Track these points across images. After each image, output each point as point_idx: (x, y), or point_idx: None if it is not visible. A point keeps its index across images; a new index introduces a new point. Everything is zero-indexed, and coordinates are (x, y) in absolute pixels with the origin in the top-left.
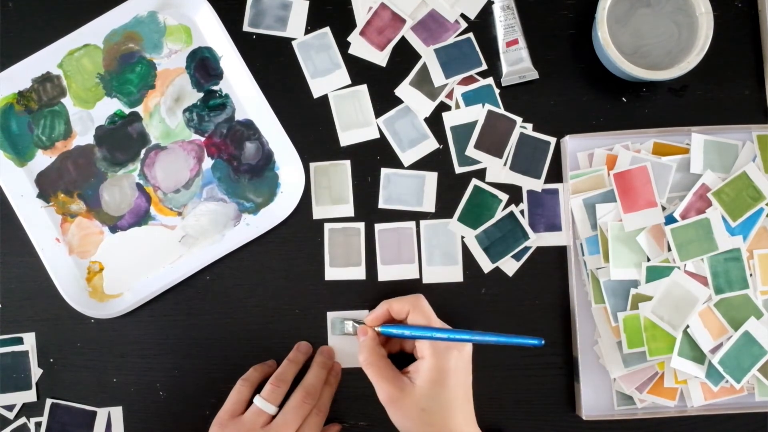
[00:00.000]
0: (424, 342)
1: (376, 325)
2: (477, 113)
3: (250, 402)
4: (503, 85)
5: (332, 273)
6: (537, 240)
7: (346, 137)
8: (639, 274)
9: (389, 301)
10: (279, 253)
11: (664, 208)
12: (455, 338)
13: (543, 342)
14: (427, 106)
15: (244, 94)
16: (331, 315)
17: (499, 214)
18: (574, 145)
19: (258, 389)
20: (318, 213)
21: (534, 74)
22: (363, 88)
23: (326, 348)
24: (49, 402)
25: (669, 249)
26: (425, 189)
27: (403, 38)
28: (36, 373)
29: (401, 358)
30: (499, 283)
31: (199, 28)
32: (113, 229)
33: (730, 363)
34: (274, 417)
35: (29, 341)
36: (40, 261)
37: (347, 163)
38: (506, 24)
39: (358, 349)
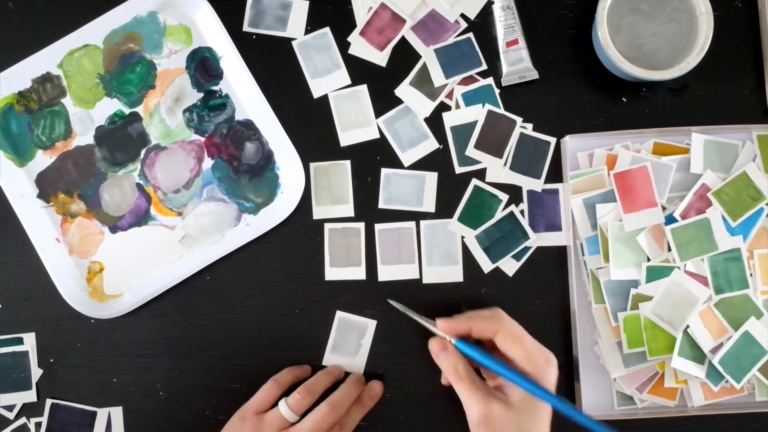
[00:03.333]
0: (520, 354)
1: (455, 333)
2: (477, 113)
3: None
4: (503, 85)
5: (332, 273)
6: (537, 240)
7: (346, 137)
8: (639, 274)
9: (473, 316)
10: (279, 253)
11: (664, 208)
12: (535, 392)
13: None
14: (427, 106)
15: (244, 94)
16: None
17: (499, 214)
18: (574, 145)
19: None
20: (318, 213)
21: (534, 74)
22: (363, 88)
23: (374, 383)
24: (49, 402)
25: (669, 249)
26: (425, 189)
27: (403, 38)
28: (36, 373)
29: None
30: (499, 283)
31: (199, 28)
32: (113, 229)
33: (730, 363)
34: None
35: (29, 341)
36: (40, 261)
37: (347, 163)
38: (506, 24)
39: (442, 359)
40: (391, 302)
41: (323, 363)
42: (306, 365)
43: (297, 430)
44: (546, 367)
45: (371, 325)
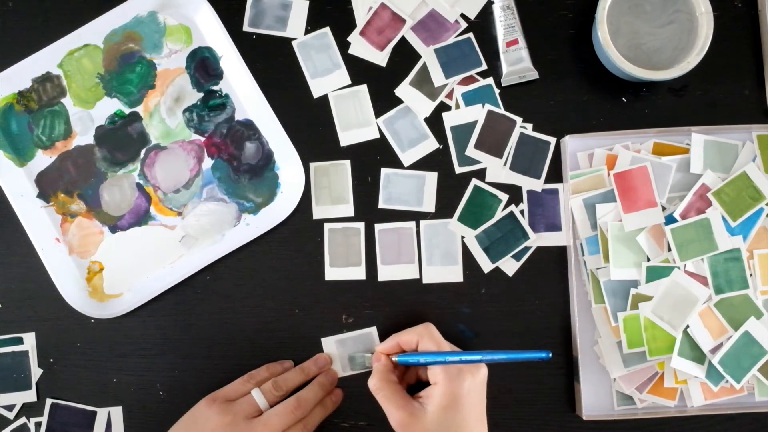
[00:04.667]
0: (437, 367)
1: (389, 354)
2: (477, 113)
3: None
4: (503, 85)
5: (332, 273)
6: (537, 240)
7: (346, 137)
8: (639, 274)
9: (397, 334)
10: (279, 253)
11: (664, 208)
12: (465, 360)
13: (551, 355)
14: (427, 106)
15: (244, 94)
16: (331, 341)
17: (499, 214)
18: (574, 145)
19: None
20: (318, 213)
21: (534, 74)
22: (363, 88)
23: (321, 356)
24: (49, 402)
25: (669, 249)
26: (425, 189)
27: (403, 38)
28: (36, 373)
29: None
30: (499, 283)
31: (199, 28)
32: (113, 229)
33: (730, 363)
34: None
35: (29, 341)
36: (40, 261)
37: (347, 163)
38: (506, 24)
39: (372, 375)
40: (353, 359)
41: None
42: (288, 361)
43: (263, 420)
44: (457, 375)
45: (373, 331)
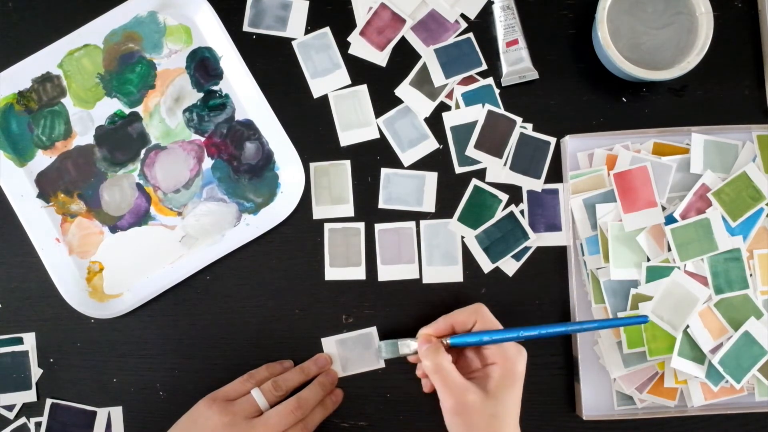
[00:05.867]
0: (494, 347)
1: (438, 336)
2: (477, 113)
3: None
4: (503, 85)
5: (332, 273)
6: (537, 240)
7: (346, 137)
8: (639, 274)
9: (448, 315)
10: (279, 253)
11: (664, 208)
12: (545, 333)
13: (648, 319)
14: (427, 106)
15: (244, 94)
16: (331, 341)
17: (499, 214)
18: (574, 145)
19: None
20: (318, 213)
21: (534, 74)
22: (363, 88)
23: (321, 356)
24: (49, 402)
25: (669, 249)
26: (425, 189)
27: (403, 38)
28: (36, 373)
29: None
30: (499, 283)
31: (199, 28)
32: (113, 229)
33: (730, 363)
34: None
35: (29, 341)
36: (40, 261)
37: (347, 163)
38: (506, 24)
39: (422, 357)
40: (381, 348)
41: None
42: (288, 360)
43: (263, 420)
44: (517, 354)
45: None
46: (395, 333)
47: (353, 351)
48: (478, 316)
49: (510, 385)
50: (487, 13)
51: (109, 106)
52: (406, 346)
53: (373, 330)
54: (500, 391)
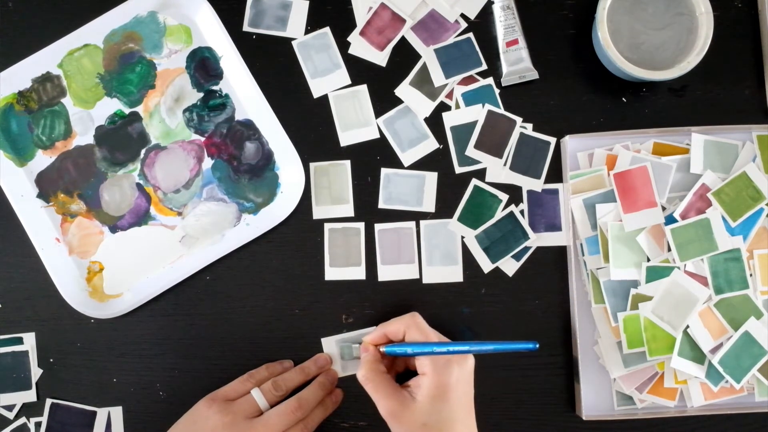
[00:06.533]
0: (425, 358)
1: (377, 344)
2: (477, 113)
3: None
4: (503, 85)
5: (332, 273)
6: (537, 240)
7: (346, 137)
8: (639, 274)
9: (384, 324)
10: (279, 253)
11: (664, 208)
12: (453, 351)
13: (537, 346)
14: (427, 106)
15: (244, 94)
16: (331, 341)
17: (499, 214)
18: (574, 145)
19: None
20: (318, 213)
21: (534, 74)
22: (363, 88)
23: (321, 356)
24: (49, 402)
25: (669, 249)
26: (425, 189)
27: (403, 38)
28: (36, 373)
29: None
30: (499, 283)
31: (199, 28)
32: (113, 229)
33: (730, 363)
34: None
35: (29, 341)
36: (40, 261)
37: (347, 163)
38: (506, 24)
39: (360, 365)
40: (342, 352)
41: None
42: (288, 360)
43: (263, 420)
44: (445, 366)
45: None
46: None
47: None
48: (409, 326)
49: (438, 396)
50: (487, 13)
51: (109, 106)
52: (356, 350)
53: (373, 330)
54: (428, 402)
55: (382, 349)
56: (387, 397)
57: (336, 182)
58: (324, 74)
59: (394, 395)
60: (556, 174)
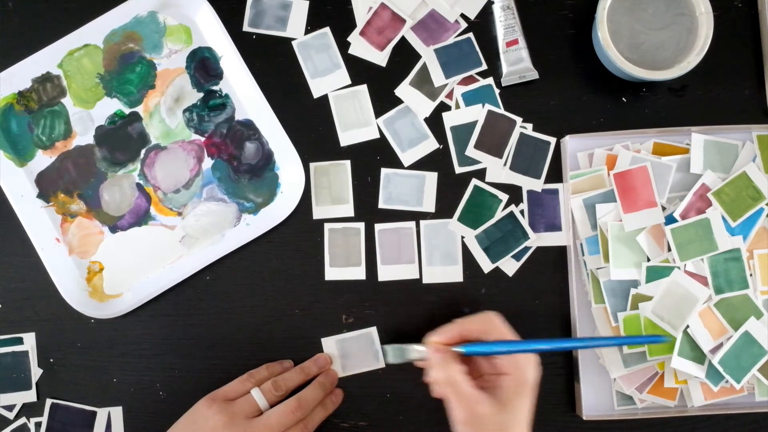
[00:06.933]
0: (504, 357)
1: (448, 344)
2: (477, 113)
3: None
4: (503, 85)
5: (332, 273)
6: (537, 240)
7: (346, 137)
8: (639, 274)
9: (458, 323)
10: (279, 253)
11: (664, 208)
12: (559, 347)
13: (669, 339)
14: (427, 106)
15: (244, 94)
16: (331, 341)
17: (499, 214)
18: (574, 145)
19: None
20: (318, 213)
21: (534, 74)
22: (363, 88)
23: (322, 356)
24: (49, 402)
25: (669, 249)
26: (425, 189)
27: (403, 38)
28: (36, 373)
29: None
30: (499, 283)
31: (199, 28)
32: (113, 229)
33: (730, 363)
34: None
35: (29, 341)
36: (40, 261)
37: (347, 163)
38: (506, 24)
39: (433, 367)
40: (387, 352)
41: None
42: (288, 360)
43: (263, 420)
44: (527, 364)
45: (372, 331)
46: (396, 333)
47: (353, 351)
48: (489, 325)
49: (521, 395)
50: (487, 13)
51: (109, 106)
52: (415, 352)
53: (373, 330)
54: (512, 402)
55: (459, 349)
56: (472, 401)
57: (336, 182)
58: (324, 74)
59: (476, 398)
60: (556, 174)
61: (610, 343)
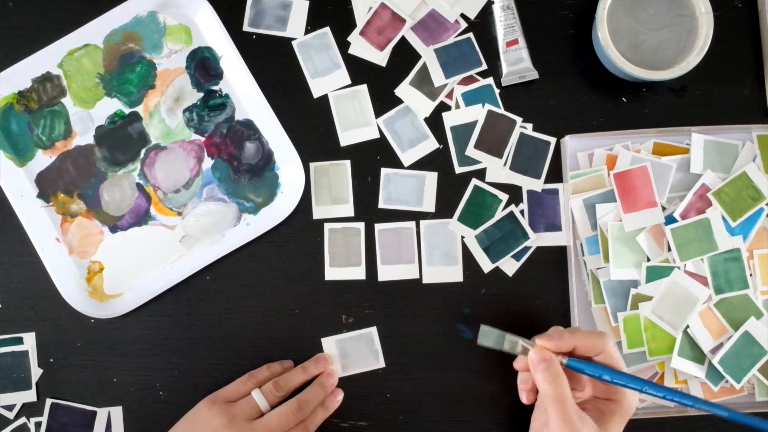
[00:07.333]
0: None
1: (555, 352)
2: (477, 113)
3: None
4: (503, 85)
5: (332, 273)
6: (537, 240)
7: (346, 137)
8: (639, 274)
9: (576, 334)
10: (279, 253)
11: (664, 208)
12: (676, 400)
13: None
14: (427, 106)
15: (244, 94)
16: (331, 341)
17: (499, 214)
18: (574, 145)
19: None
20: (318, 213)
21: (534, 74)
22: (363, 88)
23: (322, 356)
24: (49, 402)
25: (669, 249)
26: (425, 189)
27: (403, 38)
28: (36, 373)
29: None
30: (499, 283)
31: (199, 28)
32: (113, 229)
33: (730, 363)
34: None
35: (29, 341)
36: (40, 261)
37: (347, 163)
38: (506, 24)
39: (541, 378)
40: (482, 338)
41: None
42: (288, 361)
43: (264, 421)
44: (635, 395)
45: (373, 331)
46: (395, 333)
47: (353, 351)
48: (603, 346)
49: (620, 424)
50: (487, 13)
51: (109, 106)
52: (514, 344)
53: (373, 330)
54: (611, 428)
55: (562, 360)
56: (574, 421)
57: (336, 182)
58: (324, 74)
59: (581, 420)
60: (556, 174)
61: (725, 415)
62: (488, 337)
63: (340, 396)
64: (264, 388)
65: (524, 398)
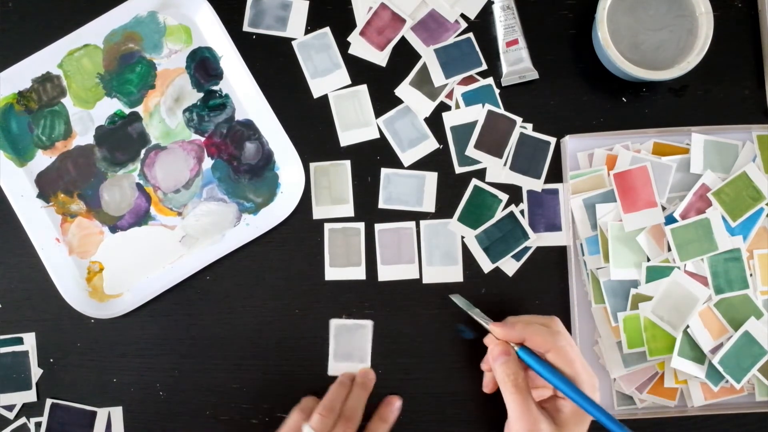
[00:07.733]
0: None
1: (509, 341)
2: (477, 113)
3: None
4: (503, 85)
5: (332, 273)
6: (537, 240)
7: (346, 137)
8: (639, 274)
9: (526, 323)
10: (279, 253)
11: (664, 208)
12: (608, 426)
13: None
14: (427, 106)
15: (244, 94)
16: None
17: (499, 214)
18: (574, 145)
19: None
20: (318, 213)
21: (534, 74)
22: (363, 88)
23: (346, 374)
24: (49, 402)
25: (669, 249)
26: (425, 189)
27: (403, 38)
28: (36, 373)
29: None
30: (499, 283)
31: (199, 28)
32: (113, 229)
33: (730, 363)
34: None
35: (29, 341)
36: (40, 261)
37: (347, 163)
38: (506, 24)
39: (501, 369)
40: (453, 297)
41: (329, 372)
42: (313, 397)
43: None
44: (591, 393)
45: (368, 325)
46: (395, 333)
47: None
48: (553, 344)
49: (580, 422)
50: (487, 13)
51: (109, 106)
52: (479, 317)
53: (368, 323)
54: (569, 428)
55: (518, 351)
56: (533, 416)
57: (336, 182)
58: (324, 74)
59: (538, 418)
60: (556, 174)
61: None
62: (461, 301)
63: (397, 402)
64: (313, 421)
65: (486, 385)
